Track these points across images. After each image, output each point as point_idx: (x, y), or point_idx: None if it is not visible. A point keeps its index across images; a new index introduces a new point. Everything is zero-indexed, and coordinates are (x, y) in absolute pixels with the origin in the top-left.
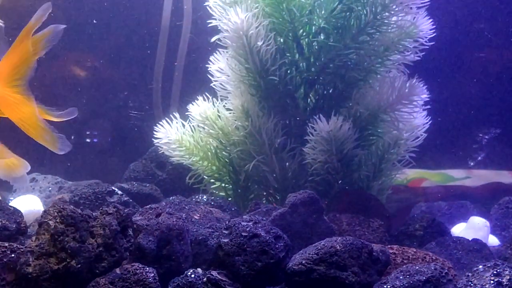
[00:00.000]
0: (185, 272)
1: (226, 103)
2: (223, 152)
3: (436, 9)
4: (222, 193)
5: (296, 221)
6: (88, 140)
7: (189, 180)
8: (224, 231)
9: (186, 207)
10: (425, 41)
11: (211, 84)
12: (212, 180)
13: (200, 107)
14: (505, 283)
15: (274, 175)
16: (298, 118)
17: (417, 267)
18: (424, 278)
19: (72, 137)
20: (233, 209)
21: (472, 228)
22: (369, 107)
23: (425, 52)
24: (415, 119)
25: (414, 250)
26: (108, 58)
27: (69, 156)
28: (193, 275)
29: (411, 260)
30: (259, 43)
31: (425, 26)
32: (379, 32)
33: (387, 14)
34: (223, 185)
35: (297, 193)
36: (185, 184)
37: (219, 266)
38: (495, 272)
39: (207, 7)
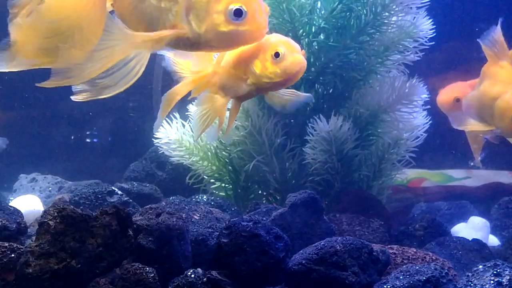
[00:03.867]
0: (185, 272)
1: None
2: (223, 152)
3: (437, 9)
4: (222, 193)
5: (296, 221)
6: (88, 140)
7: (189, 180)
8: (224, 231)
9: (186, 207)
10: (425, 41)
11: None
12: (212, 180)
13: None
14: (505, 283)
15: (274, 175)
16: (298, 118)
17: (417, 267)
18: (424, 278)
19: (72, 137)
20: (233, 209)
21: (472, 228)
22: (369, 107)
23: (425, 52)
24: (415, 119)
25: (414, 250)
26: None
27: (69, 156)
28: (193, 275)
29: (411, 260)
30: None
31: (425, 26)
32: (379, 32)
33: (387, 14)
34: (223, 185)
35: (297, 193)
36: (185, 184)
37: (219, 266)
38: (495, 272)
39: None
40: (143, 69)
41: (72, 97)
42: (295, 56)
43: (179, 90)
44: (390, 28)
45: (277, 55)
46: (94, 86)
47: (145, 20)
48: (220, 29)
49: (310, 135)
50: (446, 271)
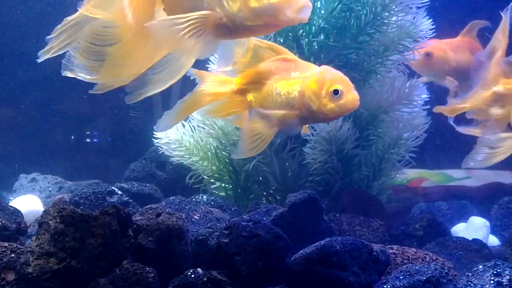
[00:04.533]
0: (185, 272)
1: None
2: (223, 152)
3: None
4: (222, 193)
5: (296, 221)
6: (88, 140)
7: (189, 180)
8: (224, 231)
9: (186, 207)
10: (425, 41)
11: None
12: (212, 180)
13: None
14: (505, 283)
15: (274, 175)
16: None
17: (417, 267)
18: (424, 278)
19: (72, 137)
20: (233, 209)
21: (472, 228)
22: (369, 107)
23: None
24: (415, 119)
25: (414, 250)
26: None
27: (69, 156)
28: (193, 275)
29: (411, 260)
30: None
31: (425, 26)
32: (379, 32)
33: (387, 14)
34: (223, 185)
35: (297, 193)
36: (185, 184)
37: (219, 266)
38: (495, 272)
39: None
40: (191, 63)
41: (127, 100)
42: (352, 94)
43: (194, 101)
44: (390, 28)
45: (336, 92)
46: (145, 83)
47: (186, 12)
48: (252, 5)
49: (310, 135)
50: (446, 271)
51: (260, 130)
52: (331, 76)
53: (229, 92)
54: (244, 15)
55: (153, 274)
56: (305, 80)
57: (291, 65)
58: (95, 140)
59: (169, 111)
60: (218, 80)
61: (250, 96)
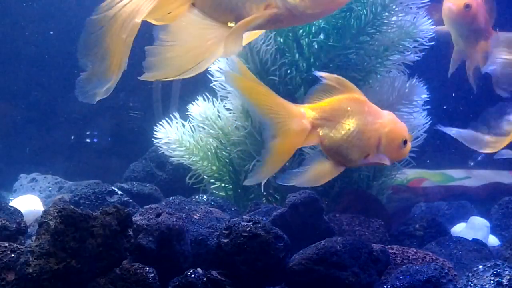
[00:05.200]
0: (185, 272)
1: (226, 103)
2: (223, 152)
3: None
4: (222, 193)
5: (296, 221)
6: (88, 140)
7: (189, 180)
8: (224, 231)
9: (186, 207)
10: (425, 41)
11: (211, 84)
12: (212, 180)
13: (200, 107)
14: (505, 283)
15: (274, 175)
16: None
17: (417, 267)
18: (424, 278)
19: (72, 137)
20: (233, 209)
21: (472, 228)
22: None
23: (425, 52)
24: (415, 119)
25: (414, 250)
26: None
27: (69, 156)
28: (193, 275)
29: (411, 260)
30: (259, 43)
31: (425, 26)
32: (379, 32)
33: (387, 14)
34: (223, 185)
35: (297, 193)
36: (185, 184)
37: (219, 266)
38: (495, 272)
39: None
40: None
41: (141, 78)
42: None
43: (282, 153)
44: (390, 28)
45: (405, 142)
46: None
47: (231, 5)
48: None
49: None
50: (446, 271)
51: (327, 169)
52: (403, 127)
53: (306, 131)
54: (306, 5)
55: (153, 274)
56: (382, 127)
57: (364, 107)
58: (95, 140)
59: (261, 168)
60: (295, 124)
61: (320, 132)
